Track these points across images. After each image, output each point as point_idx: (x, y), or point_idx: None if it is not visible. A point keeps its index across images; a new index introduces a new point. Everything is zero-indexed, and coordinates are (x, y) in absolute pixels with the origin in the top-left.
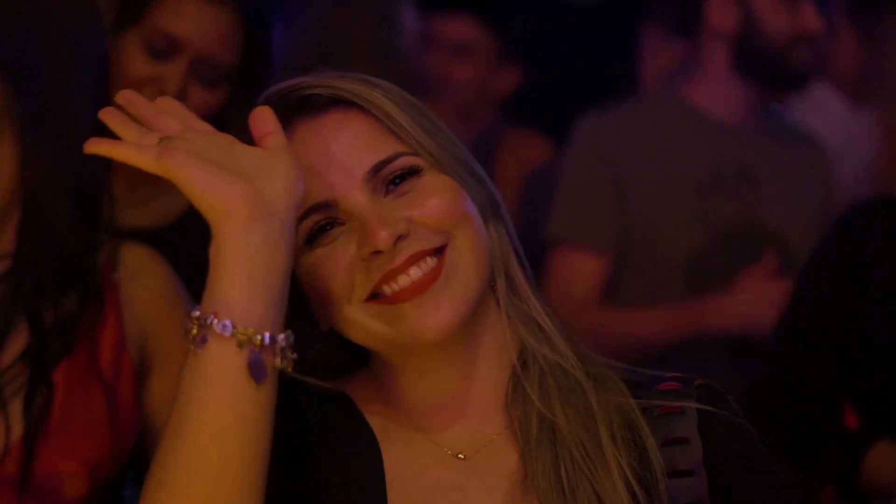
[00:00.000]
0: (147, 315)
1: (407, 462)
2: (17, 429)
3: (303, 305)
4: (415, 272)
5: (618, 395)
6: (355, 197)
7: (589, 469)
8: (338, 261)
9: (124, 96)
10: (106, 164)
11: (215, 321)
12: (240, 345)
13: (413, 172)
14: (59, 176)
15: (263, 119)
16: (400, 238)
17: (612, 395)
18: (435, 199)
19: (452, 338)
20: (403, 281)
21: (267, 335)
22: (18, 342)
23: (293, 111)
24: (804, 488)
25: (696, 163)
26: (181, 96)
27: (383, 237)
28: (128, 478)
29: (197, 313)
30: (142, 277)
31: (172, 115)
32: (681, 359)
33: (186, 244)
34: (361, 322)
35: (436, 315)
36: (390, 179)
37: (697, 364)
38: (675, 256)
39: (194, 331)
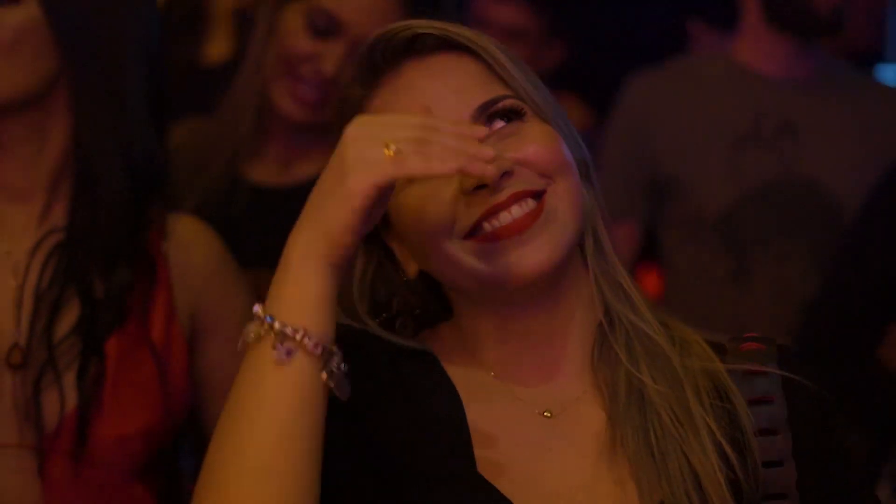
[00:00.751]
0: (196, 285)
1: (492, 419)
2: (72, 400)
3: (388, 253)
4: (516, 210)
5: (703, 359)
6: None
7: (679, 433)
8: (440, 193)
9: None
10: (161, 140)
11: (307, 339)
12: (324, 362)
13: (518, 115)
14: (113, 150)
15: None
16: (504, 175)
17: (696, 359)
18: (538, 144)
19: (543, 285)
20: (505, 218)
21: (337, 351)
22: (71, 315)
23: (401, 53)
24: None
25: (735, 117)
26: (337, 76)
27: (491, 168)
28: (183, 448)
29: (277, 325)
30: (191, 248)
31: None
32: None
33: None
34: (460, 259)
35: (535, 254)
36: (497, 117)
37: None
38: (709, 210)
39: (271, 338)
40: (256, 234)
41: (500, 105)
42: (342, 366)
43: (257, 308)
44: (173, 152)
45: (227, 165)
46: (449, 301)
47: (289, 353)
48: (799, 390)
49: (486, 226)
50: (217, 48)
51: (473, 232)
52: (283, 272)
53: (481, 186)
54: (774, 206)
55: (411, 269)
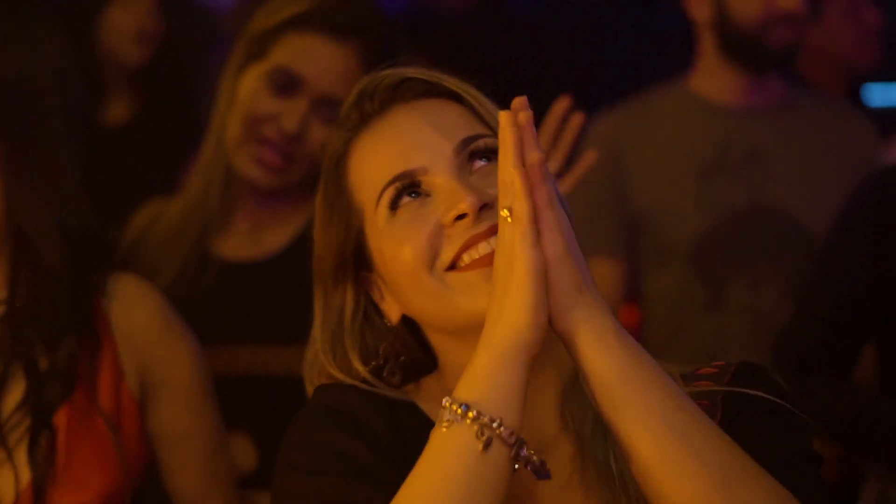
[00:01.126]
0: (141, 345)
1: None
2: (25, 476)
3: (375, 308)
4: (495, 241)
5: None
6: (445, 166)
7: None
8: (422, 226)
9: None
10: (98, 205)
11: (502, 429)
12: (516, 451)
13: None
14: (49, 220)
15: None
16: (484, 207)
17: None
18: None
19: None
20: (484, 248)
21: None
22: (17, 389)
23: (388, 98)
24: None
25: (699, 148)
26: (301, 134)
27: (470, 200)
28: None
29: (473, 413)
30: (133, 309)
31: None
32: None
33: (285, 273)
34: (441, 292)
35: None
36: (478, 156)
37: None
38: (681, 242)
39: (472, 426)
40: (229, 309)
41: (483, 142)
42: (530, 452)
43: (447, 399)
44: (141, 232)
45: (198, 241)
46: (433, 348)
47: (488, 441)
48: (735, 398)
49: (466, 257)
50: (116, 111)
51: (454, 264)
52: (480, 367)
53: (461, 217)
54: (745, 233)
55: (394, 314)
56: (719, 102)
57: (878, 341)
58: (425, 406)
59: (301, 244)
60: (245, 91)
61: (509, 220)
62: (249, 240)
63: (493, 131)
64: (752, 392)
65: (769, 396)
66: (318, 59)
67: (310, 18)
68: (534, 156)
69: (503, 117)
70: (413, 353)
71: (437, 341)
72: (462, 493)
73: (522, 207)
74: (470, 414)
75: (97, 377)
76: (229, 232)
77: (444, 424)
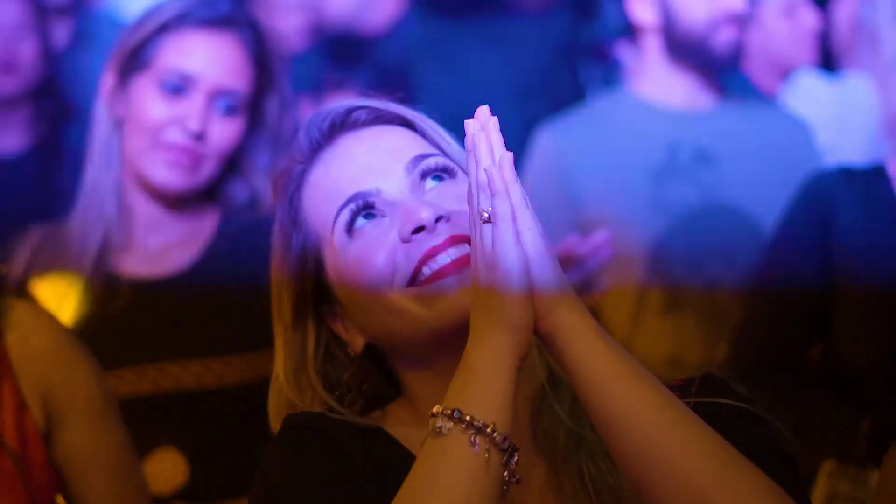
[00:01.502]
0: (41, 372)
1: None
2: None
3: (336, 340)
4: (454, 252)
5: None
6: (397, 185)
7: (613, 480)
8: (379, 245)
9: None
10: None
11: (496, 434)
12: (507, 457)
13: (450, 174)
14: None
15: None
16: (440, 219)
17: None
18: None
19: None
20: (443, 259)
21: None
22: None
23: (337, 128)
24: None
25: (649, 152)
26: (204, 131)
27: (426, 212)
28: None
29: (466, 418)
30: (30, 336)
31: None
32: None
33: (195, 291)
34: (403, 308)
35: None
36: (429, 174)
37: None
38: (637, 246)
39: (466, 432)
40: (142, 329)
41: (433, 161)
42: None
43: (437, 406)
44: (29, 256)
45: (98, 263)
46: (396, 375)
47: (482, 448)
48: (704, 407)
49: (426, 269)
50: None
51: (413, 280)
52: (470, 371)
53: (418, 230)
54: (699, 234)
55: (357, 343)
56: (665, 105)
57: (822, 340)
58: (394, 431)
59: (212, 255)
60: (138, 103)
61: (487, 221)
62: (160, 256)
63: (442, 152)
64: (720, 401)
65: (738, 404)
66: (203, 53)
67: (184, 19)
68: (504, 155)
69: (470, 123)
70: (375, 382)
71: (403, 369)
72: (460, 494)
73: (504, 205)
74: (463, 420)
75: None
76: (137, 251)
77: (436, 432)
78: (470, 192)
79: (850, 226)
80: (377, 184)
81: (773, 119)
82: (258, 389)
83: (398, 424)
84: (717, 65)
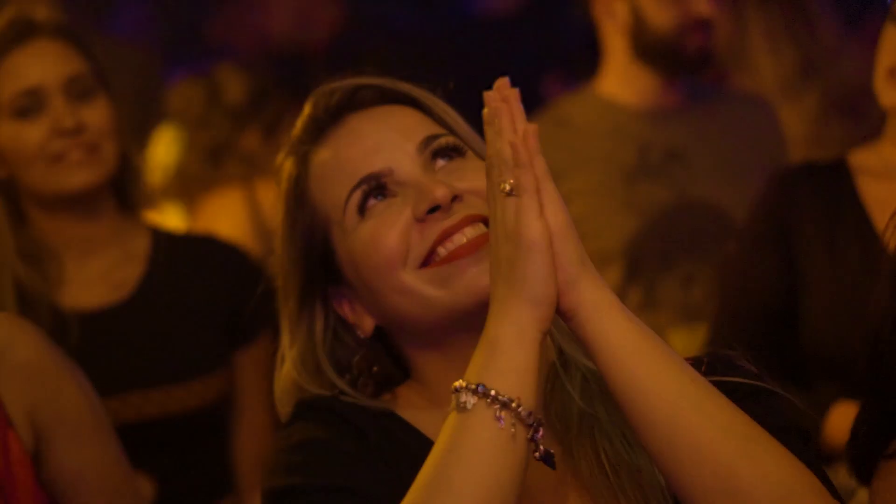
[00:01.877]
0: (25, 387)
1: None
2: None
3: (343, 323)
4: (470, 231)
5: None
6: (409, 164)
7: (629, 456)
8: (393, 224)
9: None
10: None
11: (521, 408)
12: (533, 432)
13: (459, 153)
14: None
15: None
16: (455, 199)
17: None
18: (483, 175)
19: None
20: (459, 239)
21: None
22: None
23: (343, 108)
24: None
25: (620, 152)
26: (80, 120)
27: (443, 191)
28: None
29: (492, 393)
30: (10, 351)
31: None
32: None
33: (144, 317)
34: (417, 289)
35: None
36: (440, 153)
37: None
38: (612, 246)
39: (492, 406)
40: (100, 359)
41: (444, 140)
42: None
43: (460, 381)
44: None
45: (45, 299)
46: (406, 358)
47: (508, 423)
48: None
49: (441, 250)
50: None
51: (428, 260)
52: (493, 345)
53: (433, 210)
54: (673, 232)
55: (367, 325)
56: (634, 106)
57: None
58: (405, 414)
59: (153, 276)
60: (10, 146)
61: (509, 194)
62: (102, 286)
63: (450, 130)
64: (731, 379)
65: (750, 381)
66: (30, 63)
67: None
68: (529, 127)
69: (490, 94)
70: (385, 365)
71: (414, 351)
72: (485, 478)
73: (528, 178)
74: (488, 394)
75: None
76: (76, 283)
77: (460, 407)
78: (489, 165)
79: (810, 219)
80: (388, 164)
81: (736, 108)
82: (216, 411)
83: (409, 407)
84: (685, 68)
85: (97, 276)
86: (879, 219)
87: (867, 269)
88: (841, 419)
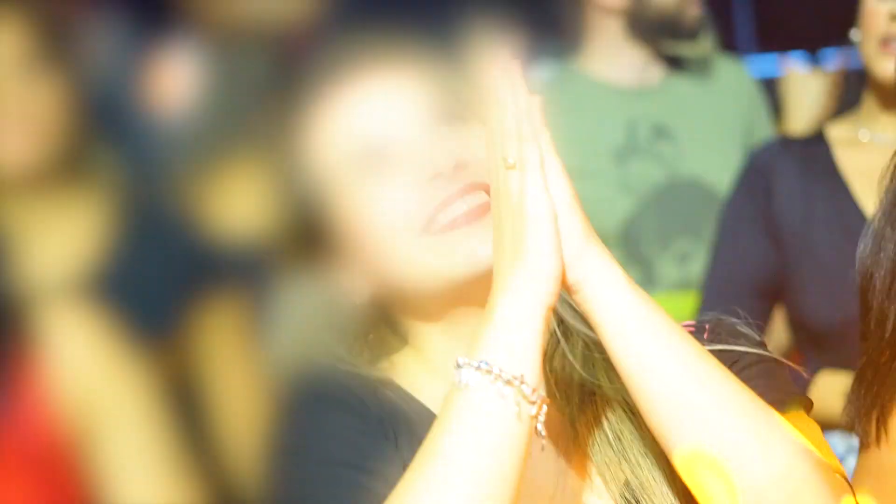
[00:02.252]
0: None
1: None
2: None
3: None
4: (471, 199)
5: None
6: (410, 128)
7: (633, 422)
8: (393, 188)
9: None
10: None
11: (524, 386)
12: (538, 409)
13: (462, 120)
14: None
15: None
16: (457, 167)
17: None
18: (485, 143)
19: None
20: (460, 207)
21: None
22: None
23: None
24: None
25: (608, 131)
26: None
27: (445, 157)
28: None
29: (495, 370)
30: None
31: None
32: None
33: None
34: (416, 258)
35: (490, 244)
36: (442, 120)
37: None
38: (607, 226)
39: (495, 383)
40: None
41: (447, 106)
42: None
43: (462, 358)
44: None
45: None
46: (401, 325)
47: (512, 400)
48: (719, 355)
49: (442, 217)
50: None
51: (428, 227)
52: (497, 321)
53: (435, 176)
54: (667, 210)
55: (361, 291)
56: (618, 83)
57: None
58: (403, 382)
59: None
60: None
61: (511, 167)
62: None
63: (453, 97)
64: (734, 348)
65: (753, 350)
66: None
67: None
68: (534, 99)
69: (493, 66)
70: (380, 331)
71: (411, 319)
72: (489, 456)
73: (533, 151)
74: (491, 371)
75: None
76: None
77: (462, 384)
78: (490, 137)
79: (791, 192)
80: (389, 128)
81: (716, 78)
82: None
83: (407, 375)
84: (680, 41)
85: None
86: (858, 189)
87: (848, 240)
88: (824, 389)
